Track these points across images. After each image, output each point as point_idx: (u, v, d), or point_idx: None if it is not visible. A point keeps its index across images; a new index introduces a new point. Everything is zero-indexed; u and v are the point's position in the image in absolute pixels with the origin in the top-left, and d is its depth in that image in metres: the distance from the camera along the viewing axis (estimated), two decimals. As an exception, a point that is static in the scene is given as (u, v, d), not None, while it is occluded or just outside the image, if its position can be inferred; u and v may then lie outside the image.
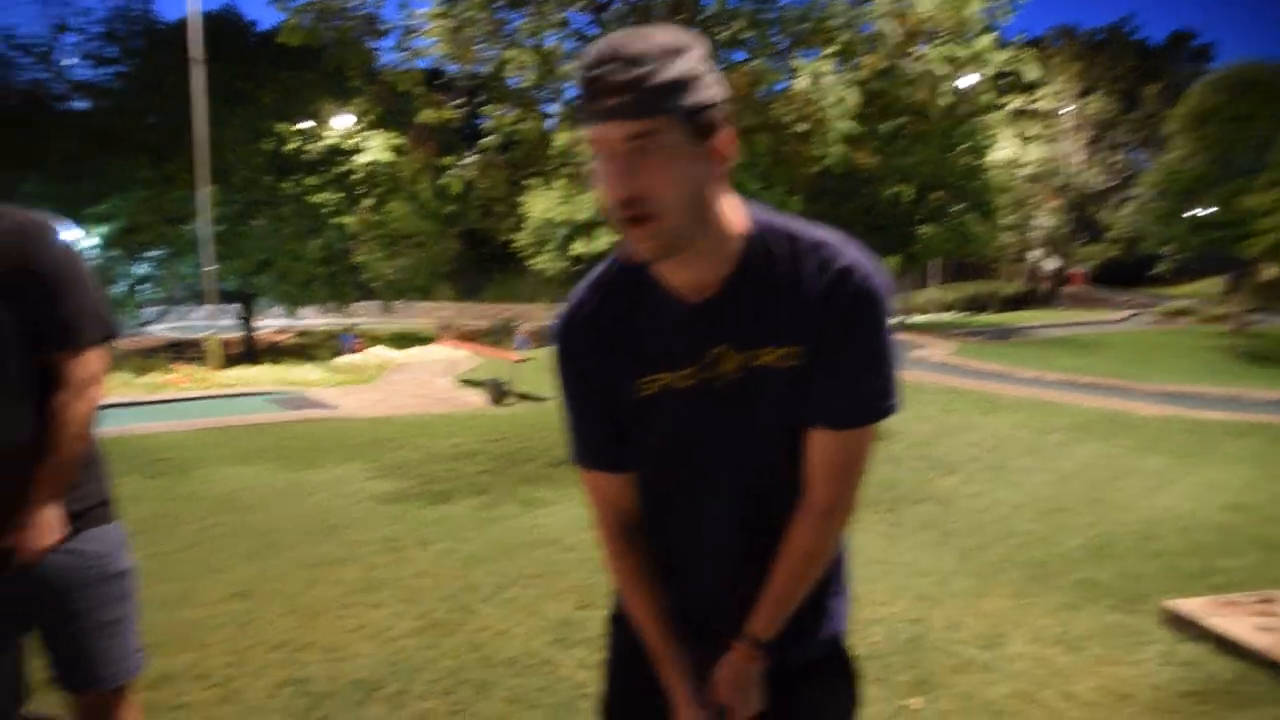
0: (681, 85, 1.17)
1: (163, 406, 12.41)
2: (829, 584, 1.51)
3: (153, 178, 24.10)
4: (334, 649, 3.94)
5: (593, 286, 1.43)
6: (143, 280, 26.17)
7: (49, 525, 2.01)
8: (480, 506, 6.37)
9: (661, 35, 1.19)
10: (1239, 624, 3.85)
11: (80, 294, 2.06)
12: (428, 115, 8.27)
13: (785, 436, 1.38)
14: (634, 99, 1.16)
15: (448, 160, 8.98)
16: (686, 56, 1.19)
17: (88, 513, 2.13)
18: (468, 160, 8.69)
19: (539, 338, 28.88)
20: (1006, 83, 9.12)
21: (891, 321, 1.33)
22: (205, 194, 19.03)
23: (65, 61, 26.33)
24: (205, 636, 4.05)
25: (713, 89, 1.22)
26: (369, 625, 4.21)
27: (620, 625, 1.62)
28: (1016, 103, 34.35)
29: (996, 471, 7.36)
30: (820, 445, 1.36)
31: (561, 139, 8.34)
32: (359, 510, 6.32)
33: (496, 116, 8.40)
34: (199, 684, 3.61)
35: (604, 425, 1.45)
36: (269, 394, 13.41)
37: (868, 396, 1.33)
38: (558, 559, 5.15)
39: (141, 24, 26.85)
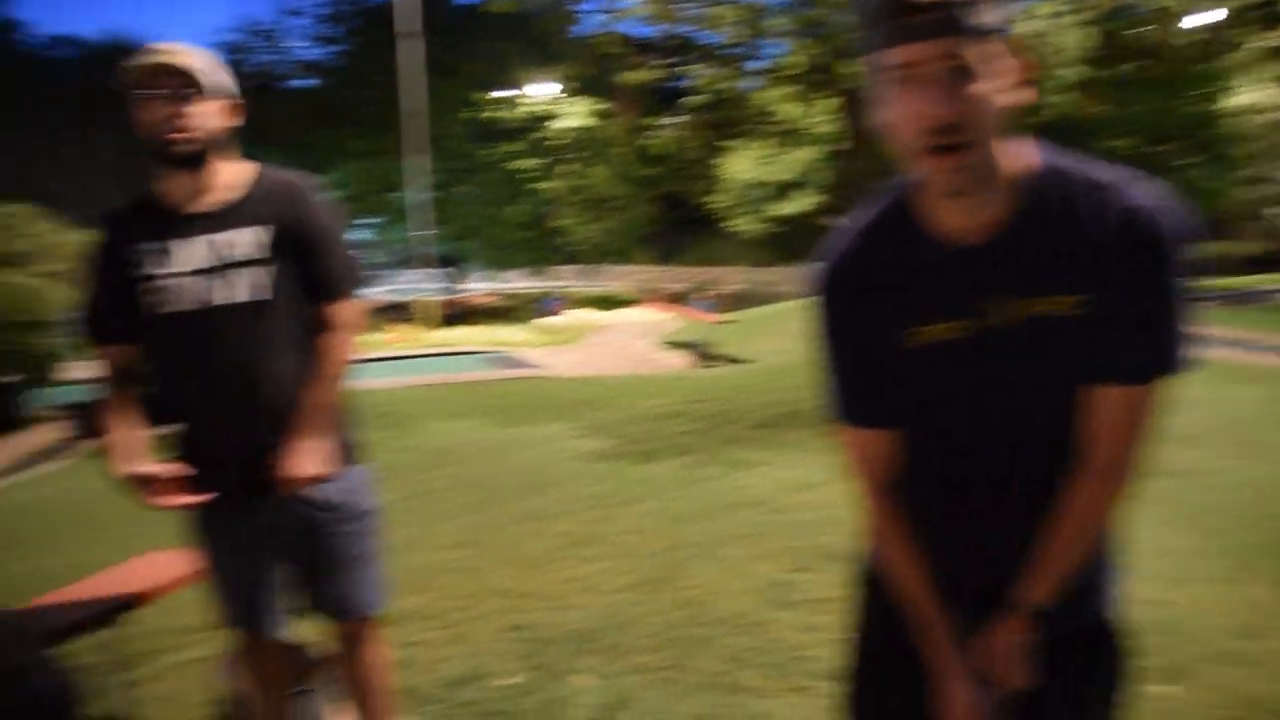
0: (995, 2, 1.10)
1: (381, 364, 13.15)
2: (1100, 569, 1.40)
3: (369, 149, 25.52)
4: (552, 599, 4.07)
5: (857, 232, 1.34)
6: (361, 246, 27.83)
7: (315, 456, 2.16)
8: (686, 466, 6.41)
9: None
10: None
11: (341, 247, 2.23)
12: (632, 77, 8.29)
13: (1064, 392, 1.27)
14: (953, 15, 1.08)
15: (650, 122, 8.96)
16: None
17: (341, 453, 2.28)
18: (670, 121, 8.65)
19: (730, 301, 28.82)
20: (1256, 15, 8.22)
21: (1187, 267, 1.19)
22: (417, 163, 19.96)
23: (292, 43, 28.17)
24: (433, 581, 4.26)
25: (1012, 10, 1.12)
26: (584, 578, 4.31)
27: (873, 589, 1.55)
28: (1264, 40, 31.08)
29: (1245, 447, 6.72)
30: (1105, 402, 1.24)
31: (765, 97, 8.17)
32: (569, 467, 6.49)
33: (699, 76, 8.31)
34: (430, 624, 3.81)
35: (869, 379, 1.37)
36: (478, 353, 14.00)
37: (1157, 349, 1.21)
38: (766, 520, 5.11)
39: (357, 4, 28.31)
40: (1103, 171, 1.21)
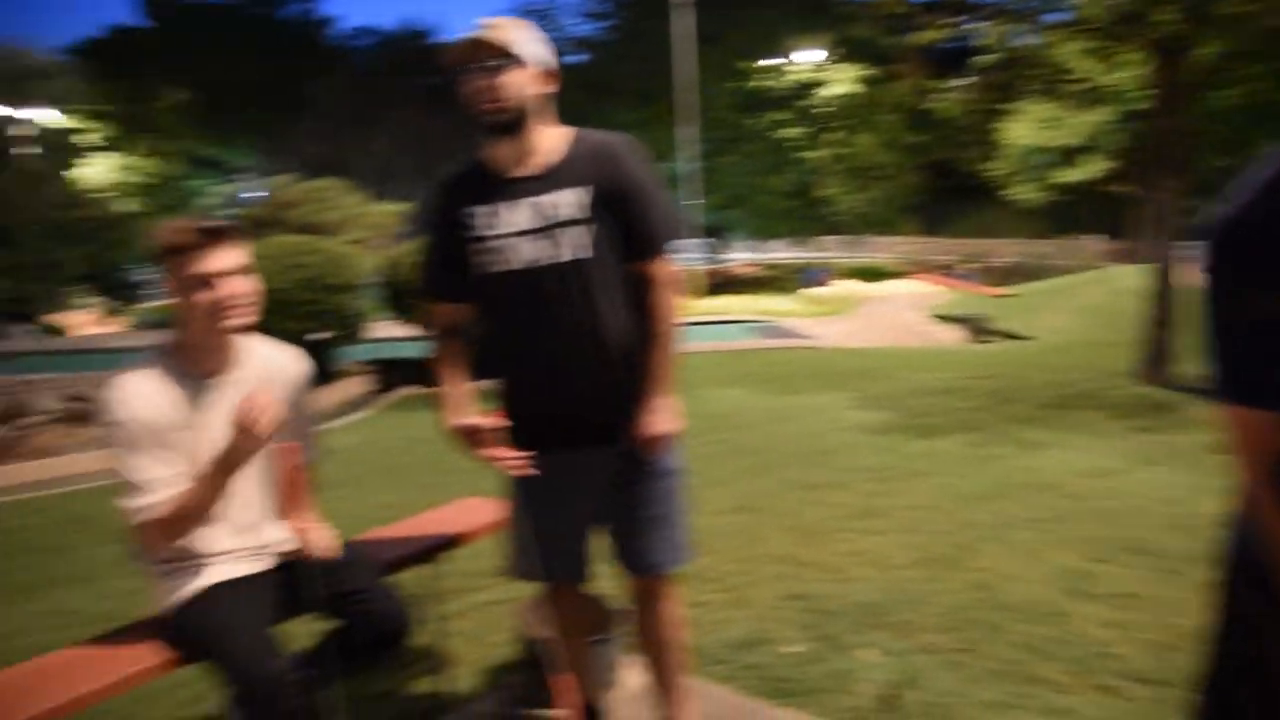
0: None
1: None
2: None
3: (637, 120, 26.13)
4: (834, 570, 3.99)
5: (1265, 188, 1.17)
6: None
7: (669, 415, 2.24)
8: (971, 444, 6.12)
9: None
10: None
11: (659, 205, 2.27)
12: (923, 36, 7.90)
13: None
14: None
15: (934, 85, 8.53)
16: None
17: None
18: (956, 84, 8.19)
19: (1002, 275, 27.18)
20: None
21: None
22: (686, 133, 20.24)
23: (565, 21, 29.28)
24: (715, 543, 4.29)
25: None
26: (867, 551, 4.20)
27: (1254, 582, 1.37)
28: None
29: None
30: None
31: (1062, 52, 7.55)
32: (846, 438, 6.37)
33: (991, 33, 7.79)
34: (713, 586, 3.84)
35: (1270, 354, 1.20)
36: (746, 322, 14.04)
37: None
38: (1060, 505, 4.78)
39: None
40: None
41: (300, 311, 10.09)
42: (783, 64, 28.12)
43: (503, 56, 2.11)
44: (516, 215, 2.18)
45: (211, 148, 34.99)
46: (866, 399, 7.64)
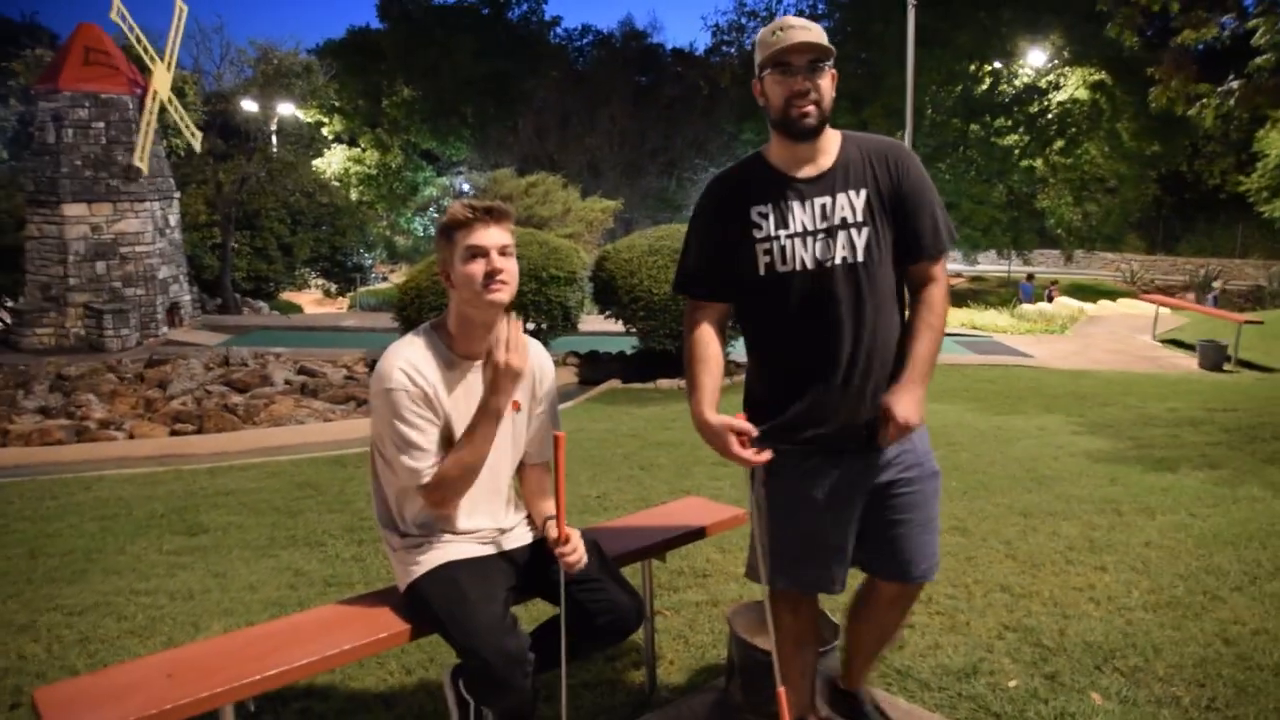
0: None
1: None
2: None
3: (851, 124, 25.63)
4: (1058, 604, 3.77)
5: None
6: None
7: (921, 405, 2.20)
8: (1214, 481, 5.63)
9: None
10: None
11: (934, 207, 2.28)
12: (1191, 35, 7.31)
13: None
14: None
15: (1203, 88, 7.90)
16: None
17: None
18: (1229, 86, 7.54)
19: (1242, 299, 24.99)
20: None
21: None
22: (907, 136, 19.69)
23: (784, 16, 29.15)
24: (927, 565, 4.12)
25: None
26: (1096, 588, 3.94)
27: None
28: None
29: None
30: None
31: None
32: (1069, 464, 6.01)
33: (1266, 28, 7.11)
34: (926, 608, 3.70)
35: None
36: (957, 335, 13.52)
37: None
38: (1320, 558, 4.32)
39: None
40: None
41: (519, 301, 10.47)
42: (1008, 67, 26.95)
43: (823, 58, 2.16)
44: (801, 216, 2.20)
45: (431, 141, 36.88)
46: (1090, 424, 7.17)
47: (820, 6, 29.99)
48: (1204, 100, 7.75)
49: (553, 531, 2.34)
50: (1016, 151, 26.72)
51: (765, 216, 2.22)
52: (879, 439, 2.21)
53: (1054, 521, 4.80)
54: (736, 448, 2.15)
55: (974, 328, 14.70)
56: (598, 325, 12.72)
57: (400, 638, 2.36)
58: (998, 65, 27.10)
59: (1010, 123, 27.05)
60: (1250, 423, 7.28)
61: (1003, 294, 26.50)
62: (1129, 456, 6.20)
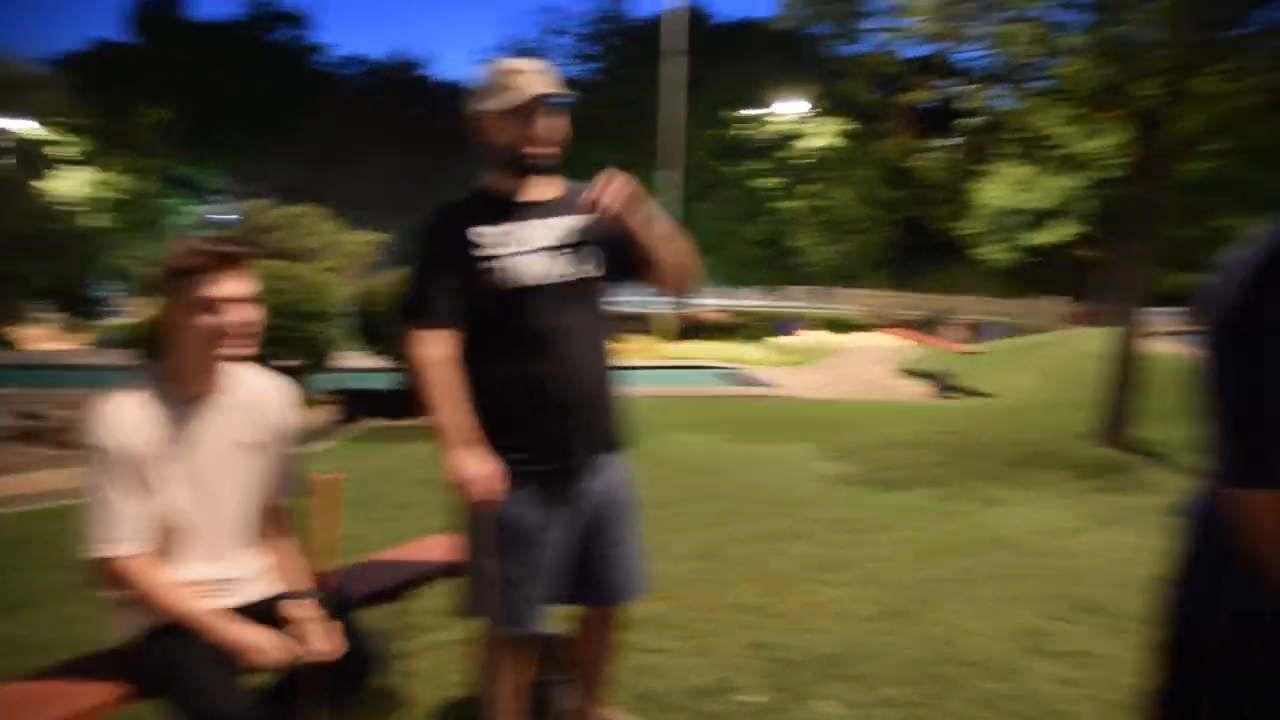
0: None
1: (620, 373, 13.47)
2: None
3: (618, 161, 26.15)
4: (796, 620, 4.01)
5: (1260, 262, 1.22)
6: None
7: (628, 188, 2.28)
8: (936, 499, 6.19)
9: None
10: None
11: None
12: (912, 97, 8.11)
13: None
14: None
15: (919, 143, 8.77)
16: None
17: (624, 442, 2.46)
18: (943, 143, 8.42)
19: (969, 332, 27.51)
20: None
21: None
22: (667, 177, 20.46)
23: (556, 61, 29.64)
24: (676, 590, 4.29)
25: None
26: (830, 603, 4.23)
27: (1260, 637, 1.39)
28: None
29: None
30: None
31: (1044, 119, 7.77)
32: (812, 488, 6.41)
33: (977, 96, 8.02)
34: (674, 632, 3.84)
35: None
36: (715, 368, 14.10)
37: None
38: (1021, 563, 4.85)
39: (618, 23, 29.45)
40: None
41: (272, 337, 10.00)
42: (765, 114, 28.58)
43: (566, 102, 2.25)
44: (530, 233, 2.26)
45: (186, 167, 34.79)
46: (834, 450, 7.70)
47: (592, 50, 30.85)
48: (921, 154, 8.60)
49: (296, 612, 2.22)
50: (770, 193, 28.30)
51: (494, 236, 2.25)
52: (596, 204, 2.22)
53: (796, 543, 5.11)
54: (483, 494, 2.16)
55: (730, 360, 15.38)
56: (360, 362, 12.34)
57: (120, 703, 2.18)
58: (756, 112, 28.66)
59: (767, 166, 28.65)
60: (967, 443, 8.05)
61: (765, 328, 27.89)
62: (867, 479, 6.71)
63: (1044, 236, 24.38)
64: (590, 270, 2.30)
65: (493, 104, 2.22)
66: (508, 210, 2.28)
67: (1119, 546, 5.15)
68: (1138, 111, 7.38)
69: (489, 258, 2.24)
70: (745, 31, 28.69)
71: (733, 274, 28.93)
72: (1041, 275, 27.33)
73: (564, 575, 2.39)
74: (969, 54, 7.81)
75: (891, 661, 3.61)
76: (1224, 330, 1.24)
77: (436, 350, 2.25)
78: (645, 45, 25.40)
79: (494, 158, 2.29)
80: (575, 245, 2.29)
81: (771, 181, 28.79)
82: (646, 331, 20.28)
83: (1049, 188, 22.52)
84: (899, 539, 5.24)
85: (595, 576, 2.43)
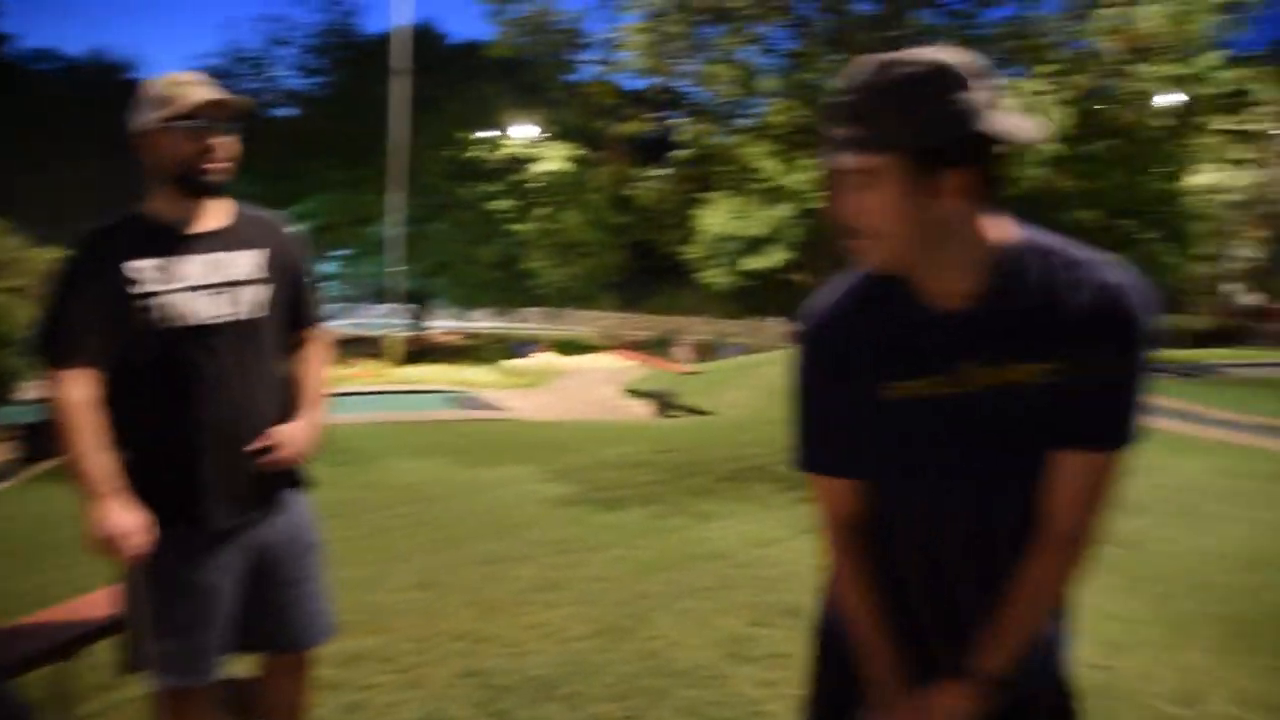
0: (911, 125, 1.16)
1: (344, 399, 13.00)
2: (1060, 615, 1.45)
3: (345, 180, 25.49)
4: (512, 644, 4.01)
5: (844, 288, 1.40)
6: (329, 278, 27.71)
7: (307, 437, 2.29)
8: (652, 516, 6.40)
9: (912, 65, 1.17)
10: None
11: (315, 280, 2.42)
12: (628, 127, 8.41)
13: (1030, 457, 1.32)
14: (856, 137, 1.18)
15: (635, 172, 9.12)
16: (931, 91, 1.16)
17: (301, 481, 2.36)
18: (658, 172, 8.80)
19: (695, 352, 28.92)
20: (1224, 103, 8.50)
21: (1151, 344, 1.26)
22: (395, 198, 20.03)
23: (278, 73, 28.28)
24: (391, 622, 4.18)
25: (952, 121, 1.17)
26: (546, 624, 4.26)
27: (830, 642, 1.57)
28: (1226, 124, 32.10)
29: (1188, 517, 6.83)
30: (1068, 469, 1.30)
31: (750, 153, 8.32)
32: (533, 511, 6.45)
33: (689, 130, 8.45)
34: (385, 666, 3.73)
35: (842, 431, 1.41)
36: (443, 392, 13.91)
37: (1121, 420, 1.28)
38: (729, 574, 5.10)
39: (346, 37, 28.52)
40: (1077, 249, 1.28)
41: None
42: (497, 137, 28.63)
43: (233, 118, 2.13)
44: (192, 270, 2.12)
45: None
46: (557, 472, 7.79)
47: (318, 63, 29.60)
48: (639, 183, 8.96)
49: None
50: (504, 216, 28.35)
51: (151, 270, 2.09)
52: (263, 464, 2.19)
53: (515, 566, 5.12)
54: (128, 550, 2.00)
55: (459, 384, 15.25)
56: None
57: None
58: (487, 134, 28.66)
59: (498, 189, 28.67)
60: (685, 461, 8.40)
61: (497, 350, 27.87)
62: (586, 499, 6.84)
63: (760, 261, 26.02)
64: (258, 310, 2.20)
65: (157, 117, 2.07)
66: (169, 240, 2.12)
67: (818, 552, 5.53)
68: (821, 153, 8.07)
69: (143, 294, 2.07)
70: (480, 53, 28.66)
71: (466, 296, 28.67)
72: (763, 297, 29.13)
73: (237, 622, 2.25)
74: (682, 88, 8.22)
75: (603, 679, 3.68)
76: (802, 343, 1.43)
77: (78, 392, 2.06)
78: (375, 62, 24.74)
79: (158, 177, 2.13)
80: (243, 282, 2.18)
81: (504, 204, 28.83)
82: (376, 355, 19.72)
83: (762, 217, 24.16)
84: (616, 557, 5.36)
85: (273, 622, 2.30)
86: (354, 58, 27.89)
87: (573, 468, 8.01)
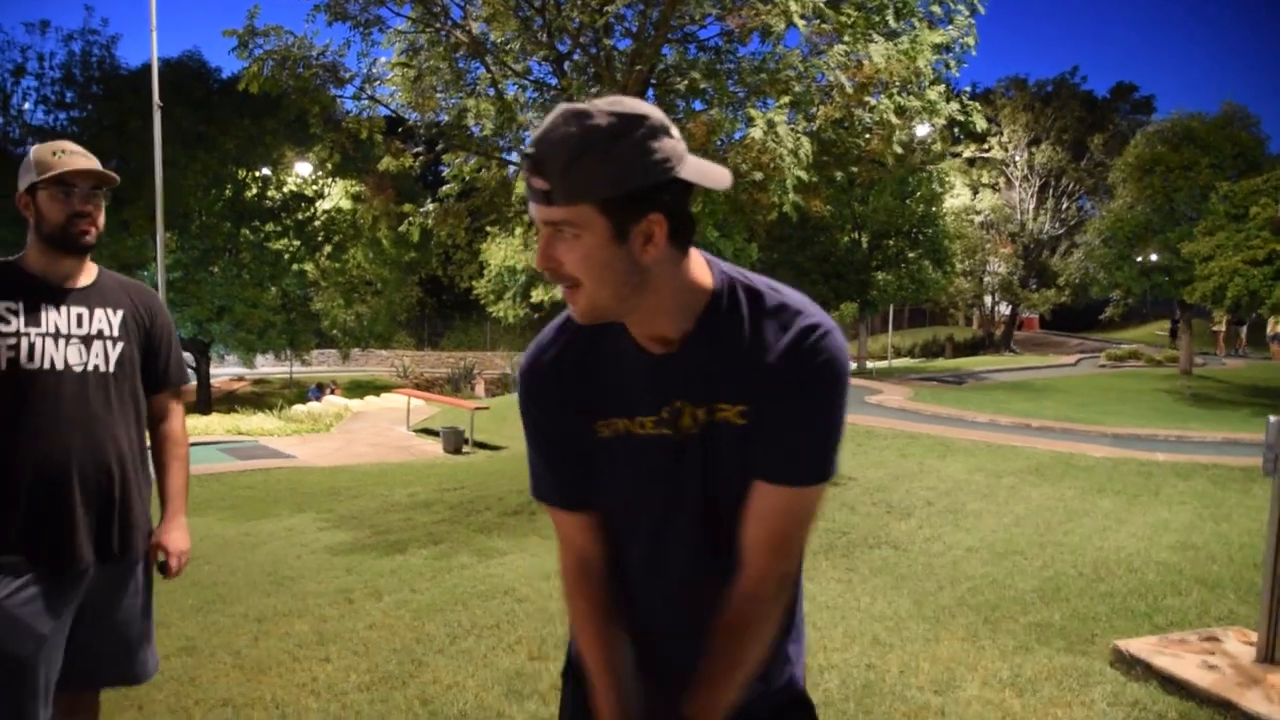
0: (605, 175, 1.19)
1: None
2: (789, 629, 1.52)
3: (108, 223, 23.82)
4: (281, 705, 3.87)
5: (560, 329, 1.45)
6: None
7: (185, 531, 2.63)
8: (435, 556, 6.30)
9: (603, 116, 1.18)
10: (1184, 662, 3.91)
11: (178, 344, 2.66)
12: (387, 163, 8.33)
13: (742, 490, 1.37)
14: (552, 188, 1.19)
15: (408, 208, 9.01)
16: (625, 140, 1.19)
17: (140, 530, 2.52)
18: (427, 208, 8.73)
19: (491, 387, 28.80)
20: (960, 131, 9.31)
21: (845, 389, 1.34)
22: (166, 240, 18.87)
23: (21, 106, 26.11)
24: (146, 696, 3.93)
25: (647, 170, 1.21)
26: (318, 680, 4.13)
27: (572, 678, 1.62)
28: (969, 151, 35.09)
29: (951, 515, 7.40)
30: (769, 502, 1.35)
31: (520, 186, 8.40)
32: (311, 561, 6.22)
33: (456, 164, 8.46)
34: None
35: (563, 464, 1.46)
36: (221, 443, 13.20)
37: (816, 458, 1.34)
38: (512, 609, 5.11)
39: (101, 70, 26.75)
40: (782, 293, 1.36)
41: None
42: (275, 174, 27.58)
43: (105, 184, 2.39)
44: (56, 318, 2.33)
45: None
46: (337, 518, 7.55)
47: (70, 95, 27.52)
48: (410, 219, 8.87)
49: None
50: (287, 256, 27.31)
51: (15, 313, 2.29)
52: (165, 572, 2.55)
53: (287, 621, 4.92)
54: None
55: (240, 433, 14.52)
56: None
57: None
58: (266, 172, 27.56)
59: (280, 228, 27.60)
60: (471, 498, 8.33)
61: (286, 395, 26.70)
62: (367, 545, 6.66)
63: (548, 293, 26.19)
64: (113, 365, 2.40)
65: (35, 180, 2.32)
66: (36, 288, 2.35)
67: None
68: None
69: (8, 334, 2.27)
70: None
71: (251, 340, 27.32)
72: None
73: (58, 661, 2.36)
74: (445, 122, 8.21)
75: (373, 730, 3.61)
76: (522, 380, 1.49)
77: None
78: (139, 96, 23.25)
79: (35, 233, 2.37)
80: (102, 337, 2.39)
81: (288, 243, 27.74)
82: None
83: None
84: (396, 602, 5.26)
85: (84, 661, 2.43)
86: (113, 90, 26.14)
87: (355, 513, 7.78)
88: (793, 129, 7.41)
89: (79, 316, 2.36)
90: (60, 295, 2.36)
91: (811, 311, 1.33)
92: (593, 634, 1.47)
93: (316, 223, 28.30)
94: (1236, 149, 21.93)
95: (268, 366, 34.06)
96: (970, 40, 8.32)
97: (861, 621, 4.84)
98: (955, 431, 12.48)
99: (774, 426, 1.32)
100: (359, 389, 27.65)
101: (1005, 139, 38.44)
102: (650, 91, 8.32)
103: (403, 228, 9.12)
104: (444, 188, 8.77)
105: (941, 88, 8.15)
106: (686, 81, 8.17)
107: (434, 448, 12.71)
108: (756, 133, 7.17)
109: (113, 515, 2.40)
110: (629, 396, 1.38)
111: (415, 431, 14.81)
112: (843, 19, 7.69)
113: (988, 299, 40.82)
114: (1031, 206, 38.85)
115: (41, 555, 2.27)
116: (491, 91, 7.83)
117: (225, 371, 32.79)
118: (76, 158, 2.35)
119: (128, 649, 2.49)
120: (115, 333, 2.40)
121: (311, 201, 28.32)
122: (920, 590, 5.40)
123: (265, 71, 7.67)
